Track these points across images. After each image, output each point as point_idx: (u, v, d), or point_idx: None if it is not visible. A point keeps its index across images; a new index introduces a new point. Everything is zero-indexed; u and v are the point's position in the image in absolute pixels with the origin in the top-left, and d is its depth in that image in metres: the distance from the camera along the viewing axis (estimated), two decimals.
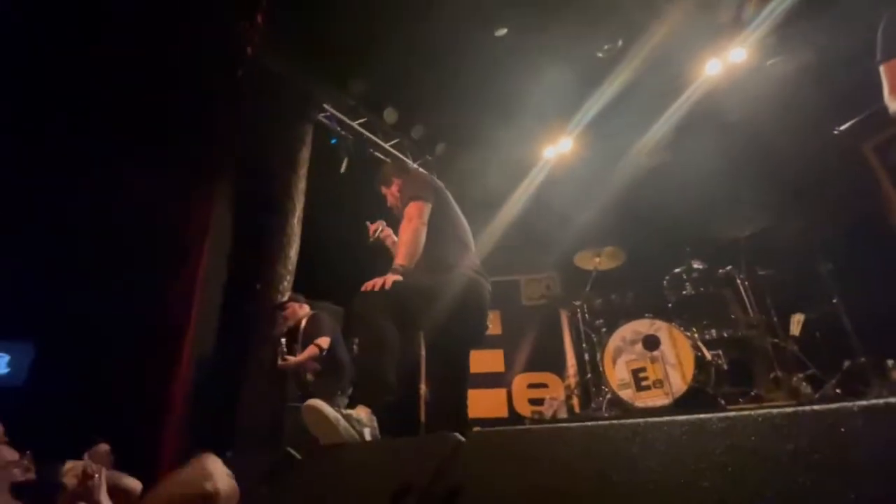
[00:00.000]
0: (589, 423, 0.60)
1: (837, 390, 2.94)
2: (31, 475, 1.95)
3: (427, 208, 1.95)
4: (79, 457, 2.89)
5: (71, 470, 2.46)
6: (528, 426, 0.65)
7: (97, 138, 4.73)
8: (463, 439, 0.82)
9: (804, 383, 3.16)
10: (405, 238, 1.85)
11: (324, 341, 3.41)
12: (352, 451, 1.27)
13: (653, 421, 0.54)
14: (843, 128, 2.22)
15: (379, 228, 2.24)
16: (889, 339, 3.10)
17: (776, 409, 0.46)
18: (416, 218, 1.89)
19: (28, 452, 2.10)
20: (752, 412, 0.47)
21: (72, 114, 4.59)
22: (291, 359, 3.46)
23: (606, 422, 0.58)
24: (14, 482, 1.83)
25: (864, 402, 0.41)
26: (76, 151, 4.86)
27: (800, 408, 0.45)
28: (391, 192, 2.28)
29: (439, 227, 1.97)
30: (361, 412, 1.47)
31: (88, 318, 4.77)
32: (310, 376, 3.55)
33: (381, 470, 0.96)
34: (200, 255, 4.78)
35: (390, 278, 1.68)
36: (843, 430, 0.40)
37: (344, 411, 1.43)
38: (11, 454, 1.88)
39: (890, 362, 2.77)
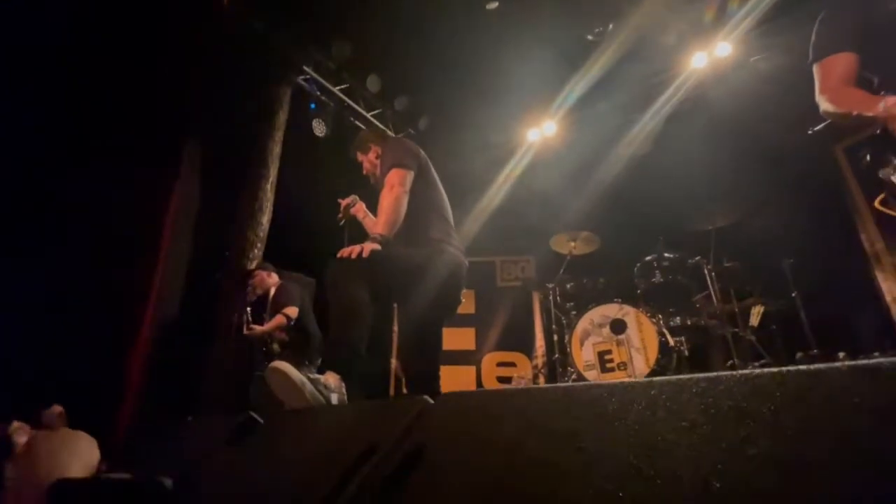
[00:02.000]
0: (563, 384, 0.59)
1: None
2: None
3: (410, 176, 1.88)
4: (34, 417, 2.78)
5: (19, 429, 2.36)
6: (500, 388, 0.63)
7: (68, 92, 4.41)
8: (431, 401, 0.80)
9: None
10: (386, 205, 1.77)
11: (292, 311, 3.36)
12: (316, 414, 1.24)
13: (630, 382, 0.53)
14: (817, 128, 2.27)
15: (351, 203, 2.16)
16: (841, 333, 3.27)
17: (757, 370, 0.45)
18: (398, 185, 1.82)
19: None
20: (736, 372, 0.46)
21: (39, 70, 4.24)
22: (258, 327, 3.40)
23: (583, 382, 0.57)
24: None
25: (852, 362, 0.40)
26: (43, 106, 4.53)
27: (783, 368, 0.44)
28: (368, 159, 2.20)
29: (421, 197, 1.91)
30: (330, 378, 1.43)
31: (49, 277, 4.53)
32: (276, 346, 3.49)
33: (346, 432, 0.93)
34: (167, 218, 4.58)
35: (368, 246, 1.63)
36: (829, 388, 0.39)
37: (311, 375, 1.39)
38: None
39: (841, 354, 2.93)
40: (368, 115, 5.20)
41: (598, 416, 0.51)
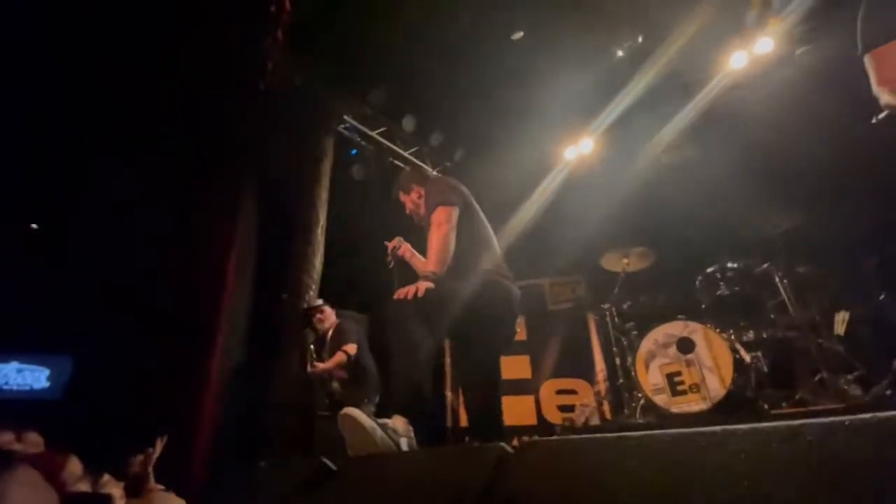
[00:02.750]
0: (659, 432, 0.56)
1: (888, 391, 2.78)
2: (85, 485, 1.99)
3: (455, 212, 1.92)
4: (116, 466, 2.95)
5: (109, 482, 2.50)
6: (589, 435, 0.60)
7: (122, 154, 4.91)
8: (510, 450, 0.79)
9: (852, 384, 3.00)
10: (435, 243, 1.82)
11: (351, 348, 3.42)
12: (391, 461, 1.24)
13: (734, 428, 0.50)
14: (881, 116, 2.12)
15: (397, 245, 2.22)
16: None
17: (883, 413, 0.42)
18: (445, 223, 1.86)
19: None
20: (856, 417, 0.43)
21: (96, 127, 4.76)
22: (320, 365, 3.48)
23: (680, 430, 0.54)
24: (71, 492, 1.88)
25: None
26: (102, 167, 5.06)
27: (891, 413, 0.40)
28: (411, 199, 2.26)
29: (467, 231, 1.94)
30: (398, 422, 1.44)
31: (122, 333, 4.92)
32: (336, 384, 3.56)
33: (423, 481, 0.93)
34: (227, 267, 4.89)
35: (422, 286, 1.66)
36: None
37: (380, 420, 1.40)
38: (76, 465, 1.92)
39: None
40: (406, 154, 5.38)
41: (703, 467, 0.48)
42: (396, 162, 5.35)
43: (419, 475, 0.96)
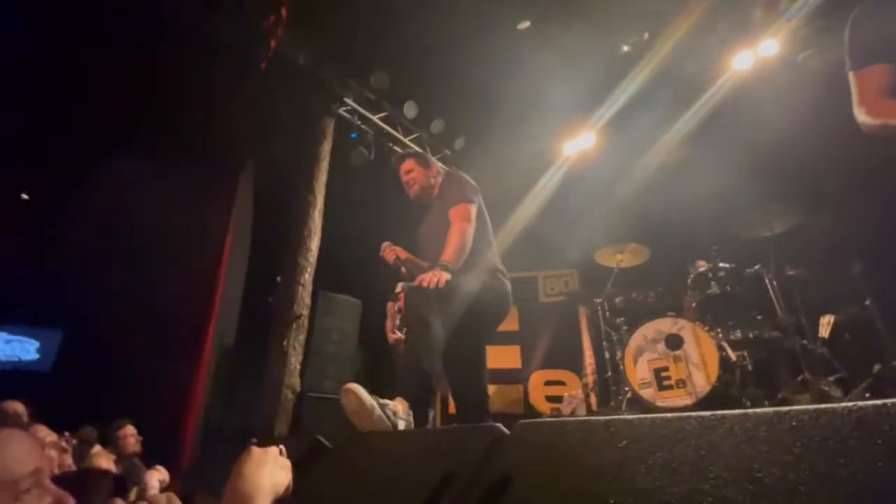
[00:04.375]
0: (649, 416, 0.59)
1: (867, 394, 2.86)
2: (68, 458, 2.00)
3: (475, 210, 2.03)
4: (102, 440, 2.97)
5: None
6: (581, 418, 0.63)
7: (121, 135, 4.85)
8: (506, 431, 0.81)
9: (833, 386, 3.08)
10: (457, 237, 1.89)
11: None
12: (386, 440, 1.27)
13: (723, 413, 0.52)
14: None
15: (398, 257, 2.22)
16: None
17: (862, 402, 0.44)
18: (468, 220, 1.96)
19: (66, 434, 2.16)
20: (837, 405, 0.45)
21: (95, 109, 4.69)
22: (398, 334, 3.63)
23: (662, 414, 0.57)
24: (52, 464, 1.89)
25: None
26: (100, 147, 4.99)
27: (890, 400, 0.43)
28: (425, 174, 2.28)
29: (478, 228, 2.03)
30: (399, 404, 1.48)
31: (114, 307, 4.90)
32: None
33: (418, 460, 0.96)
34: (223, 246, 4.88)
35: (443, 276, 1.72)
36: None
37: (381, 400, 1.44)
38: (49, 434, 1.94)
39: None
40: (406, 140, 5.36)
41: (693, 448, 0.51)
42: (396, 147, 5.32)
43: (414, 454, 0.99)
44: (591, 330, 4.64)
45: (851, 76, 1.46)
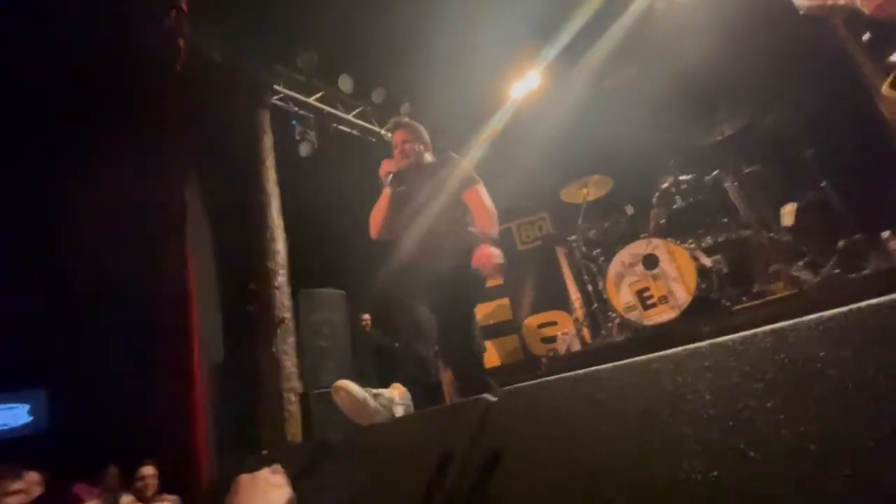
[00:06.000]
0: (625, 362, 0.58)
1: (836, 270, 3.01)
2: None
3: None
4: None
5: None
6: (560, 376, 0.63)
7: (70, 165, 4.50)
8: (493, 399, 0.81)
9: (803, 270, 3.23)
10: (493, 211, 2.04)
11: None
12: (385, 429, 1.26)
13: (694, 347, 0.51)
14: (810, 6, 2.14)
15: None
16: (880, 212, 3.14)
17: (827, 312, 0.43)
18: (486, 196, 2.07)
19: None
20: (803, 318, 0.44)
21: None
22: None
23: (644, 356, 0.55)
24: None
25: None
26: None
27: (855, 305, 0.41)
28: (416, 147, 2.22)
29: (460, 209, 2.07)
30: (394, 391, 1.49)
31: (93, 355, 4.72)
32: None
33: (416, 443, 0.95)
34: (187, 270, 4.67)
35: (498, 253, 1.85)
36: None
37: (373, 390, 1.43)
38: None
39: (885, 234, 2.82)
40: (350, 117, 5.14)
41: (669, 391, 0.50)
42: (341, 127, 5.11)
43: (407, 440, 0.99)
44: (572, 267, 4.72)
45: None
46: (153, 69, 4.06)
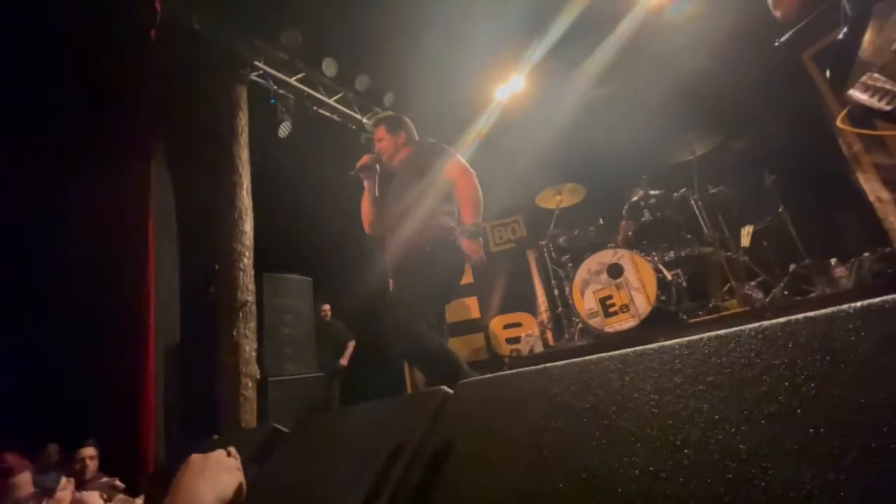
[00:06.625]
0: (578, 360, 0.59)
1: (785, 292, 3.19)
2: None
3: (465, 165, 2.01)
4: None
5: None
6: (517, 370, 0.64)
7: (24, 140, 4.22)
8: (450, 391, 0.81)
9: (755, 290, 3.40)
10: (469, 194, 1.90)
11: None
12: (340, 418, 1.25)
13: (642, 349, 0.53)
14: (782, 39, 2.25)
15: (369, 164, 2.15)
16: (830, 240, 3.35)
17: (767, 322, 0.46)
18: (468, 171, 1.95)
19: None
20: (743, 328, 0.47)
21: None
22: None
23: (595, 355, 0.57)
24: None
25: (858, 304, 0.40)
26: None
27: (792, 317, 0.44)
28: (393, 140, 2.20)
29: (438, 196, 2.00)
30: None
31: (49, 326, 4.47)
32: None
33: (371, 432, 0.95)
34: (148, 245, 4.48)
35: (479, 248, 1.86)
36: (840, 333, 0.40)
37: None
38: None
39: (832, 261, 3.00)
40: (331, 101, 5.04)
41: (616, 389, 0.52)
42: (321, 111, 5.01)
43: (365, 428, 0.98)
44: (541, 271, 4.81)
45: None
46: (125, 34, 3.86)
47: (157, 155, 4.76)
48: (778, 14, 1.47)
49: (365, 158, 2.20)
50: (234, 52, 4.24)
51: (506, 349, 4.88)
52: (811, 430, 0.38)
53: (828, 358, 0.39)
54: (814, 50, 3.69)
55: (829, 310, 0.41)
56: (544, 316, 4.70)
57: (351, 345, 5.10)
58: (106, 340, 4.27)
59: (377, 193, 2.22)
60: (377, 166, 2.20)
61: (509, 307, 5.18)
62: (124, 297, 4.35)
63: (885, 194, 3.36)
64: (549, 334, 4.42)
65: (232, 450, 0.82)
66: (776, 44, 2.50)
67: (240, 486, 0.78)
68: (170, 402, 4.31)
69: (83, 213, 4.39)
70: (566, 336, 3.86)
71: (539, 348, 4.21)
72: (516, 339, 4.70)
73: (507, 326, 5.11)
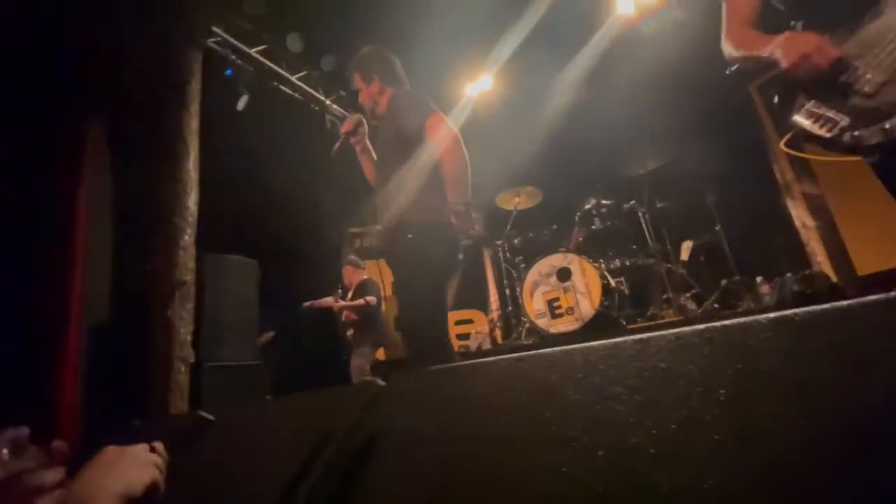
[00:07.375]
0: (507, 356, 0.59)
1: (716, 305, 3.42)
2: None
3: (449, 127, 1.74)
4: None
5: None
6: (450, 365, 0.64)
7: None
8: (383, 383, 0.79)
9: (689, 301, 3.62)
10: (453, 168, 1.68)
11: (371, 300, 3.81)
12: (268, 408, 1.20)
13: (569, 349, 0.54)
14: (733, 69, 2.38)
15: (351, 131, 1.94)
16: (759, 259, 3.62)
17: (688, 327, 0.47)
18: (455, 142, 1.70)
19: None
20: (664, 332, 0.48)
21: None
22: (343, 302, 3.90)
23: (524, 353, 0.57)
24: None
25: (772, 315, 0.42)
26: None
27: (710, 324, 0.46)
28: (369, 91, 1.98)
29: (433, 178, 1.81)
30: None
31: None
32: (350, 332, 3.90)
33: (298, 423, 0.91)
34: (79, 212, 4.12)
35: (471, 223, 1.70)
36: (751, 342, 0.41)
37: None
38: None
39: (759, 279, 3.24)
40: (293, 79, 4.84)
41: (541, 388, 0.52)
42: (282, 87, 4.80)
43: (294, 418, 0.94)
44: (495, 270, 4.87)
45: (723, 4, 1.50)
46: None
47: (97, 118, 4.38)
48: (730, 59, 1.50)
49: (347, 123, 1.99)
50: (189, 11, 3.96)
51: (455, 345, 4.90)
52: (717, 438, 0.39)
53: (738, 366, 0.41)
54: (760, 81, 3.96)
55: (744, 319, 0.43)
56: (495, 314, 4.77)
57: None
58: (24, 314, 3.89)
59: (374, 156, 2.01)
60: (363, 126, 1.99)
61: (462, 304, 5.20)
62: (44, 269, 3.99)
63: (811, 221, 3.67)
64: (498, 332, 4.49)
65: (157, 445, 0.77)
66: (727, 72, 2.64)
67: (154, 482, 0.73)
68: (95, 384, 4.00)
69: (14, 186, 3.97)
70: (514, 335, 3.93)
71: (487, 346, 4.27)
72: (467, 336, 4.74)
73: (458, 322, 5.14)
